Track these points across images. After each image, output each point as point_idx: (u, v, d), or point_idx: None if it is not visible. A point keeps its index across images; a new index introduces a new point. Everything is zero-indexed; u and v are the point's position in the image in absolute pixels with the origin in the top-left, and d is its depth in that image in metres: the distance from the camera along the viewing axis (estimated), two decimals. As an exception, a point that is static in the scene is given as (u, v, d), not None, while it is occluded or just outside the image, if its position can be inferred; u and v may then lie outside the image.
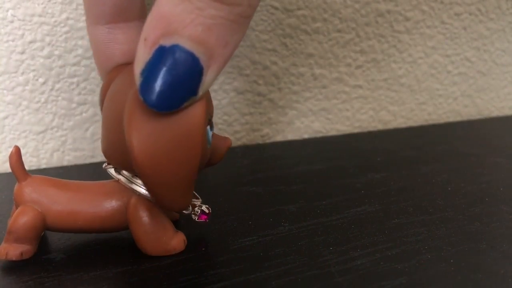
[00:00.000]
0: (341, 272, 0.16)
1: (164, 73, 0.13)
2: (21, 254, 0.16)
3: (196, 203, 0.18)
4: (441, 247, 0.17)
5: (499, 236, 0.18)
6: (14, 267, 0.16)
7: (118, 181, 0.17)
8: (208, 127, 0.16)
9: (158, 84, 0.13)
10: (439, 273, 0.16)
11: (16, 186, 0.17)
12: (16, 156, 0.17)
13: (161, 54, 0.13)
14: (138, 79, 0.13)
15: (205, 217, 0.18)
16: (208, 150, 0.16)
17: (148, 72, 0.13)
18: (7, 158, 0.28)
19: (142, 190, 0.16)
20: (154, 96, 0.13)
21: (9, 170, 0.28)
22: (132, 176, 0.16)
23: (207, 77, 0.14)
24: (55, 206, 0.16)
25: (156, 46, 0.13)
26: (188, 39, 0.13)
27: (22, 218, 0.16)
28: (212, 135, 0.17)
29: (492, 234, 0.19)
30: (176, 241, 0.17)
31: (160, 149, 0.14)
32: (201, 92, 0.14)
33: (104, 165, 0.18)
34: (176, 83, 0.13)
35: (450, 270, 0.16)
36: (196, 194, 0.18)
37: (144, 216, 0.16)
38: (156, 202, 0.15)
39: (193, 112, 0.14)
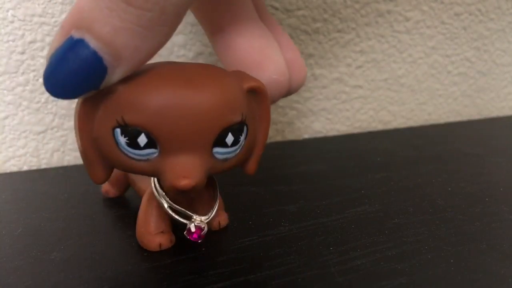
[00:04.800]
0: (341, 272, 0.16)
1: (64, 64, 0.13)
2: (106, 192, 0.22)
3: (195, 218, 0.17)
4: (441, 247, 0.17)
5: (499, 236, 0.18)
6: (13, 267, 0.16)
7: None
8: (121, 136, 0.14)
9: (56, 73, 0.13)
10: (439, 273, 0.16)
11: None
12: None
13: (68, 45, 0.13)
14: (46, 62, 0.13)
15: (193, 236, 0.17)
16: (129, 162, 0.15)
17: (54, 59, 0.13)
18: (7, 158, 0.28)
19: (165, 203, 0.17)
20: (50, 83, 0.13)
21: (9, 170, 0.28)
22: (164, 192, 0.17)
23: (113, 76, 0.13)
24: None
25: (67, 36, 0.13)
26: (93, 36, 0.12)
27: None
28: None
29: (492, 234, 0.19)
30: (148, 240, 0.17)
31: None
32: (102, 87, 0.13)
33: None
34: (73, 77, 0.13)
35: (450, 270, 0.16)
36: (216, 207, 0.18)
37: (144, 204, 0.17)
38: None
39: (84, 99, 0.14)
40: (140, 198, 0.18)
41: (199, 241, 0.17)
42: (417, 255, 0.17)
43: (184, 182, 0.14)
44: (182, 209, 0.17)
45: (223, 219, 0.19)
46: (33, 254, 0.17)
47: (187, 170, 0.14)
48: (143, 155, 0.14)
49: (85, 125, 0.14)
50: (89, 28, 0.12)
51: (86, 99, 0.14)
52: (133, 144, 0.14)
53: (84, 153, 0.15)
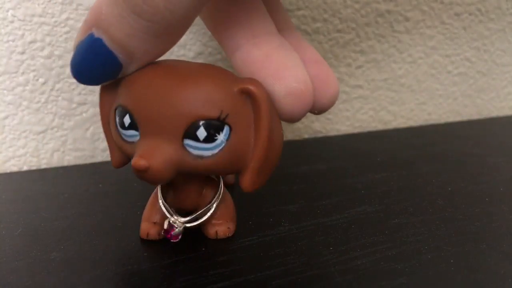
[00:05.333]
0: (341, 272, 0.16)
1: (86, 57, 0.14)
2: None
3: (174, 217, 0.17)
4: (441, 247, 0.17)
5: (499, 236, 0.18)
6: (13, 267, 0.16)
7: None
8: (116, 117, 0.16)
9: (80, 63, 0.15)
10: (439, 273, 0.16)
11: None
12: None
13: (89, 41, 0.14)
14: (73, 49, 0.15)
15: (167, 234, 0.17)
16: (121, 142, 0.16)
17: (77, 51, 0.15)
18: (7, 158, 0.28)
19: (159, 195, 0.18)
20: (75, 70, 0.15)
21: (9, 170, 0.28)
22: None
23: (127, 70, 0.15)
24: None
25: (89, 32, 0.14)
26: (109, 38, 0.14)
27: None
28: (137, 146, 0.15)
29: (492, 234, 0.19)
30: (141, 227, 0.18)
31: None
32: (120, 77, 0.15)
33: None
34: (94, 69, 0.15)
35: (450, 270, 0.16)
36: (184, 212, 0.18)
37: (153, 193, 0.18)
38: None
39: None
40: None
41: (172, 240, 0.17)
42: (417, 255, 0.17)
43: (140, 162, 0.14)
44: (166, 204, 0.17)
45: (222, 230, 0.18)
46: (33, 254, 0.17)
47: (147, 151, 0.14)
48: (128, 136, 0.15)
49: (103, 108, 0.17)
50: (106, 30, 0.14)
51: (104, 85, 0.16)
52: (121, 123, 0.15)
53: (105, 136, 0.17)
